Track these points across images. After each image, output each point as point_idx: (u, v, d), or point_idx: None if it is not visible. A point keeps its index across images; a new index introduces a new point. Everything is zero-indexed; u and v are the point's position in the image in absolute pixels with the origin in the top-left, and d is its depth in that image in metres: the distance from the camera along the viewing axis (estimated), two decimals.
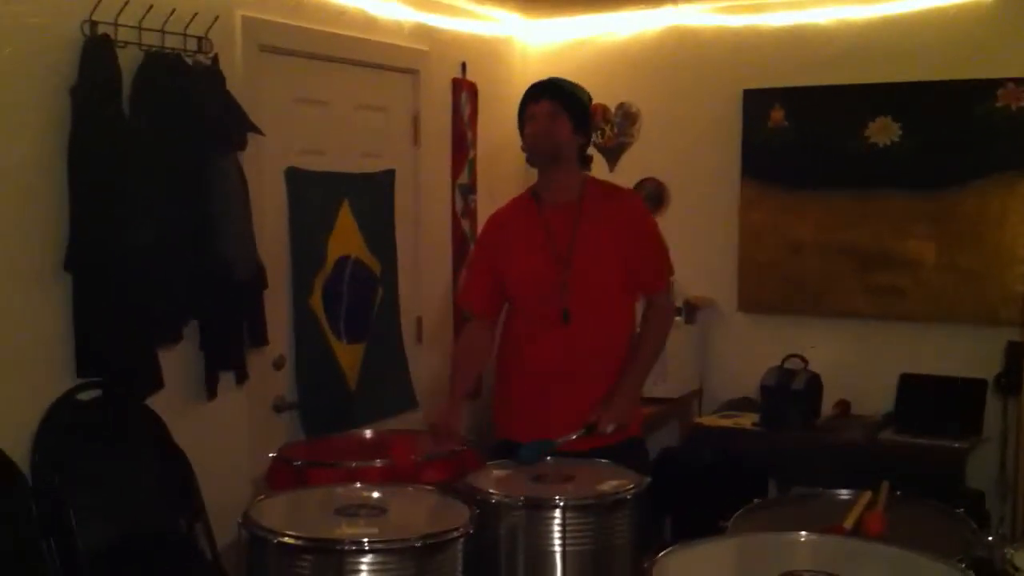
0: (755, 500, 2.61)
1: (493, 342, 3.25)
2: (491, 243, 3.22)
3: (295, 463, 2.87)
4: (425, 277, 4.43)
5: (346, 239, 3.98)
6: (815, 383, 4.32)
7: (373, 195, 4.14)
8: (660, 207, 4.78)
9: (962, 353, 4.26)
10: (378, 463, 2.84)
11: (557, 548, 2.58)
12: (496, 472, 2.86)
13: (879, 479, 4.07)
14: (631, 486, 2.68)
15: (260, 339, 3.47)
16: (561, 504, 2.58)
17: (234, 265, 3.27)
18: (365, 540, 2.27)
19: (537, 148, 3.11)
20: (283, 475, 2.88)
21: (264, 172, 3.61)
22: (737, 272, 4.69)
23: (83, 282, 2.96)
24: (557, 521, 2.58)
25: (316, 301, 3.84)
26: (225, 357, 3.38)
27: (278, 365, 3.70)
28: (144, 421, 3.15)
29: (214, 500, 3.22)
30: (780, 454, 4.27)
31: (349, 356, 3.97)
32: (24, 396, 2.88)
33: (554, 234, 3.09)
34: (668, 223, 4.24)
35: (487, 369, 3.32)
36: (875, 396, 4.40)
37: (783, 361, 4.40)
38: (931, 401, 4.26)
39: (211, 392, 3.37)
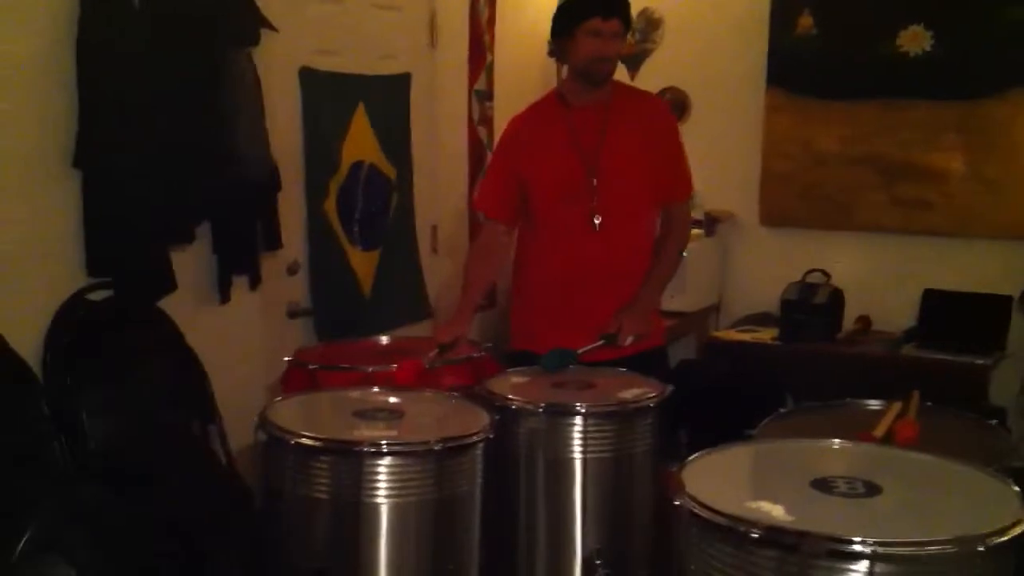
0: (780, 409, 2.55)
1: (509, 249, 3.17)
2: (514, 146, 3.11)
3: (310, 366, 2.81)
4: (441, 185, 4.34)
5: (361, 143, 3.88)
6: (837, 298, 4.25)
7: (388, 99, 4.03)
8: (682, 117, 4.66)
9: (987, 268, 4.18)
10: (394, 368, 2.78)
11: (577, 455, 2.54)
12: (515, 379, 2.81)
13: (901, 394, 4.07)
14: (653, 394, 2.63)
15: (274, 242, 3.39)
16: (582, 411, 2.53)
17: (247, 164, 3.18)
18: (383, 442, 2.22)
19: (604, 70, 2.98)
20: (298, 378, 2.83)
21: (277, 71, 3.49)
22: (759, 184, 4.59)
23: (92, 179, 2.87)
24: (578, 428, 2.54)
25: (330, 206, 3.76)
26: (238, 260, 3.31)
27: (292, 270, 3.63)
28: (156, 323, 3.08)
29: (227, 404, 3.17)
30: (799, 369, 4.21)
31: (364, 263, 3.90)
32: (35, 295, 2.81)
33: (581, 136, 2.99)
34: (689, 133, 4.09)
35: (501, 277, 3.25)
36: (898, 312, 4.33)
37: (804, 275, 4.32)
38: (954, 317, 4.19)
39: (224, 296, 3.30)
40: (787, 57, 4.46)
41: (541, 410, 2.55)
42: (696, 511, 1.72)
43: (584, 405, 2.54)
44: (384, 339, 3.32)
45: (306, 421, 2.43)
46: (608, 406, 2.56)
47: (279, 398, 2.54)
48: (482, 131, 4.53)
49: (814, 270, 4.32)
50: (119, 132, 2.86)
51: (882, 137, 4.32)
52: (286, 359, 2.95)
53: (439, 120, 4.30)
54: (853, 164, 4.39)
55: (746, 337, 4.33)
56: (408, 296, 4.13)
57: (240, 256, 3.31)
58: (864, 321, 4.36)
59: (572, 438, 2.54)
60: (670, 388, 2.68)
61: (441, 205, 4.36)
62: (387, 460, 2.21)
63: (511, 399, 2.57)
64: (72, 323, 2.88)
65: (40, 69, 2.79)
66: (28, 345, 2.78)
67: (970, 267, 4.21)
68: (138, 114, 2.88)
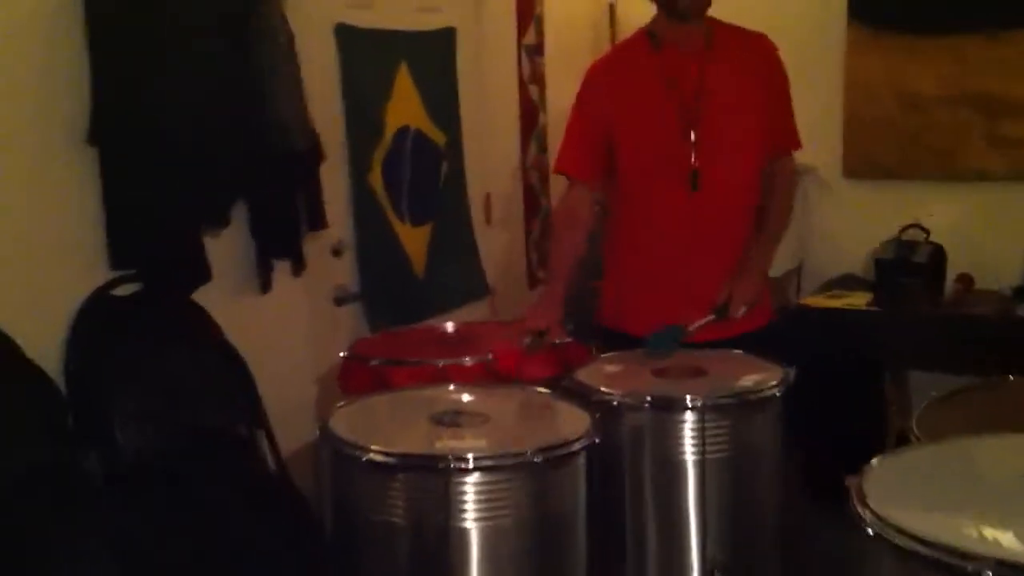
0: (932, 394, 2.15)
1: (596, 216, 2.76)
2: (597, 95, 2.68)
3: (372, 362, 2.43)
4: (492, 150, 3.94)
5: (406, 107, 3.49)
6: (938, 255, 3.82)
7: (433, 57, 3.63)
8: None
9: None
10: (468, 360, 2.40)
11: (691, 456, 2.16)
12: (608, 367, 2.43)
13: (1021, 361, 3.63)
14: (775, 380, 2.24)
15: (318, 222, 3.01)
16: (695, 404, 2.15)
17: (286, 134, 2.80)
18: (471, 455, 1.85)
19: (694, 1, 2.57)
20: (359, 377, 2.46)
21: (310, 29, 3.10)
22: (842, 132, 4.13)
23: (110, 158, 2.50)
24: (690, 425, 2.16)
25: (376, 178, 3.37)
26: (280, 243, 2.94)
27: (337, 252, 3.25)
28: (191, 318, 2.72)
29: (274, 403, 2.81)
30: (899, 337, 3.79)
31: (414, 240, 3.52)
32: (51, 294, 2.45)
33: (678, 82, 2.57)
34: None
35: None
36: (1002, 268, 3.89)
37: (900, 232, 3.90)
38: None
39: (265, 284, 2.93)
40: None
41: (647, 405, 2.16)
42: (900, 543, 1.33)
43: (697, 397, 2.15)
44: (448, 325, 2.94)
45: (375, 430, 2.06)
46: (725, 397, 2.18)
47: (341, 403, 2.16)
48: (534, 90, 4.13)
49: (910, 226, 3.90)
50: (138, 102, 2.48)
51: (984, 74, 3.85)
52: (342, 354, 2.57)
53: (487, 79, 3.90)
54: (951, 105, 3.93)
55: (837, 303, 3.91)
56: (465, 274, 3.75)
57: (281, 239, 2.95)
58: (966, 280, 3.93)
59: (684, 436, 2.16)
60: (793, 372, 2.29)
61: (493, 172, 3.97)
62: (476, 476, 1.84)
63: (610, 393, 2.19)
64: (96, 323, 2.52)
65: (44, 31, 2.41)
66: (47, 351, 2.42)
67: None
68: (158, 80, 2.50)
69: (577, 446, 1.93)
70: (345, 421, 2.03)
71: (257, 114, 2.74)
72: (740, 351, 2.46)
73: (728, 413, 2.17)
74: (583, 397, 2.18)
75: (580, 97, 2.70)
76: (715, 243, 2.58)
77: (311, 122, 2.92)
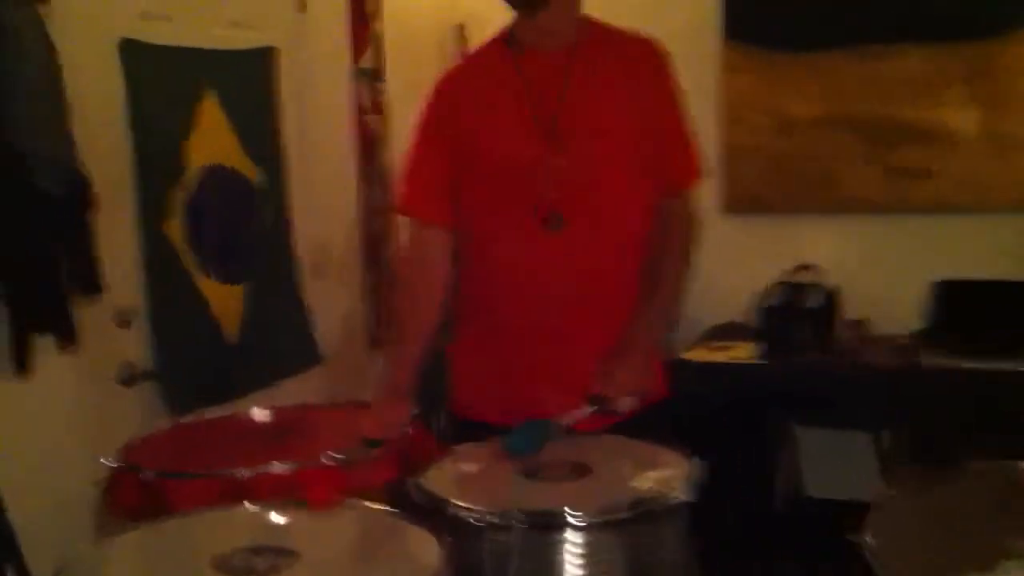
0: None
1: (451, 265, 2.20)
2: (445, 113, 2.13)
3: (143, 473, 1.80)
4: (324, 191, 3.36)
5: (213, 142, 2.88)
6: (830, 299, 3.41)
7: (247, 81, 3.04)
8: None
9: (1011, 248, 3.40)
10: (277, 468, 1.80)
11: None
12: (464, 465, 1.86)
13: (922, 414, 3.23)
14: (680, 480, 1.72)
15: (90, 284, 2.37)
16: (578, 521, 1.61)
17: (37, 171, 2.16)
18: None
19: None
20: (128, 493, 1.83)
21: (87, 43, 2.49)
22: (720, 162, 3.71)
23: None
24: (574, 547, 1.61)
25: (174, 228, 2.75)
26: (38, 312, 2.29)
27: (124, 320, 2.61)
28: None
29: (34, 526, 2.16)
30: (790, 390, 3.37)
31: (225, 300, 2.91)
32: None
33: (537, 95, 2.05)
34: None
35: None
36: (900, 310, 3.52)
37: (786, 274, 3.48)
38: (972, 312, 3.40)
39: (19, 363, 2.28)
40: (747, 2, 3.60)
41: (518, 522, 1.61)
42: None
43: (580, 512, 1.61)
44: (260, 413, 2.29)
45: None
46: (617, 510, 1.63)
47: (89, 544, 1.53)
48: (373, 120, 3.57)
49: (798, 267, 3.48)
50: None
51: (869, 95, 3.50)
52: (107, 461, 1.93)
53: (316, 108, 3.32)
54: (835, 129, 3.56)
55: (722, 357, 3.46)
56: (291, 338, 3.15)
57: (40, 306, 2.30)
58: (860, 326, 3.53)
59: (563, 562, 1.62)
60: (698, 465, 1.78)
61: (326, 217, 3.38)
62: None
63: (466, 506, 1.63)
64: None
65: None
66: None
67: (989, 248, 3.42)
68: None
69: None
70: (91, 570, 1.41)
71: None
72: (622, 438, 1.94)
73: (623, 529, 1.63)
74: (431, 512, 1.62)
75: (423, 118, 2.15)
76: (586, 301, 2.05)
77: (76, 159, 2.29)
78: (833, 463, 3.68)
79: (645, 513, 1.65)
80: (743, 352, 3.46)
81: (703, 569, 1.79)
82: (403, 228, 2.32)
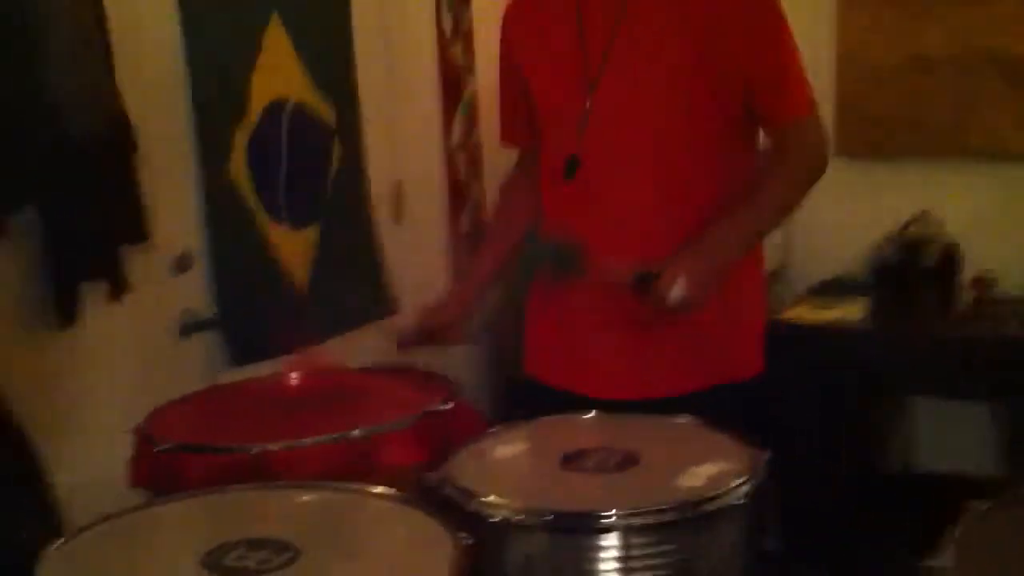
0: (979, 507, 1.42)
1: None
2: (511, 40, 2.02)
3: (158, 447, 1.68)
4: (403, 128, 3.18)
5: (280, 74, 2.73)
6: (951, 255, 3.10)
7: (317, 7, 2.88)
8: None
9: None
10: (307, 442, 1.64)
11: None
12: (500, 448, 1.69)
13: None
14: (739, 476, 1.51)
15: (135, 233, 2.26)
16: (618, 522, 1.42)
17: (74, 111, 2.05)
18: None
19: None
20: (145, 467, 1.71)
21: None
22: (834, 101, 3.39)
23: None
24: (611, 553, 1.43)
25: (238, 169, 2.62)
26: (83, 261, 2.19)
27: (182, 267, 2.50)
28: None
29: (83, 499, 2.06)
30: (901, 358, 3.08)
31: (294, 245, 2.78)
32: None
33: (590, 30, 1.83)
34: None
35: None
36: None
37: (904, 226, 3.17)
38: None
39: (67, 314, 2.19)
40: None
41: (543, 524, 1.43)
42: None
43: (620, 512, 1.42)
44: (297, 377, 2.12)
45: None
46: (662, 510, 1.44)
47: (61, 540, 1.39)
48: (458, 50, 3.37)
49: (917, 218, 3.16)
50: None
51: (1008, 30, 3.13)
52: (131, 430, 1.81)
53: (395, 36, 3.13)
54: (968, 67, 3.20)
55: (827, 316, 3.18)
56: (363, 288, 3.01)
57: (87, 253, 2.20)
58: (984, 285, 3.21)
59: (597, 570, 1.43)
60: (766, 458, 1.57)
61: (405, 156, 3.21)
62: None
63: (490, 502, 1.46)
64: None
65: None
66: None
67: None
68: None
69: None
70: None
71: (20, 88, 1.98)
72: (690, 417, 1.73)
73: (668, 533, 1.44)
74: (452, 506, 1.46)
75: (501, 42, 2.04)
76: (614, 252, 1.84)
77: (116, 99, 2.17)
78: (950, 435, 3.38)
79: (693, 516, 1.45)
80: (852, 312, 3.18)
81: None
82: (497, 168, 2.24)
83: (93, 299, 2.25)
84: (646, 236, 1.86)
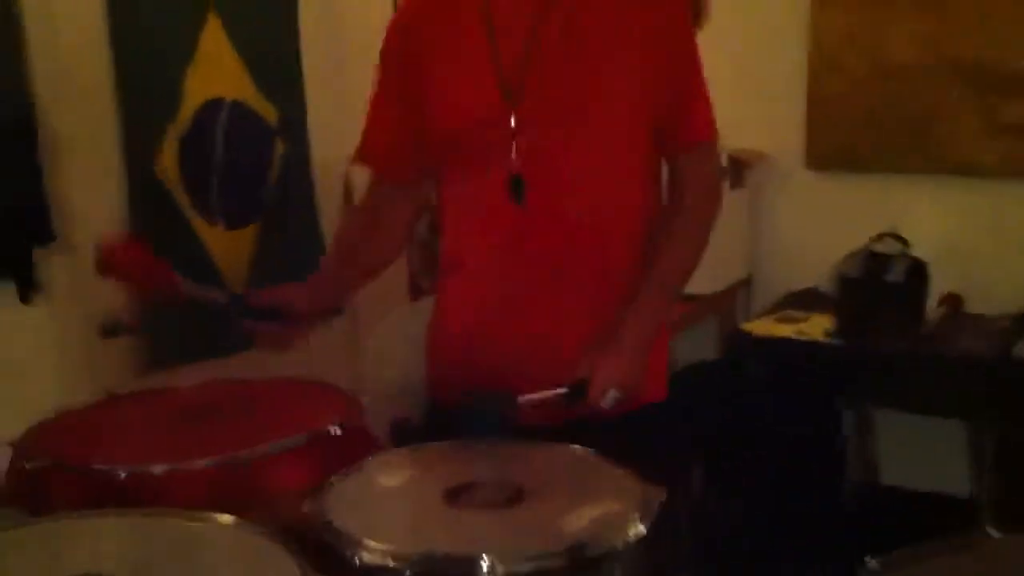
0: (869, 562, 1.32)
1: (405, 225, 1.93)
2: (399, 51, 1.82)
3: (28, 463, 1.59)
4: (354, 124, 3.06)
5: (217, 73, 2.65)
6: (919, 273, 2.99)
7: (260, 5, 2.78)
8: (693, 18, 3.35)
9: None
10: (154, 468, 1.54)
11: None
12: (381, 478, 1.58)
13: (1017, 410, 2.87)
14: (626, 520, 1.40)
15: (43, 233, 2.17)
16: (488, 569, 1.32)
17: None
18: None
19: None
20: (17, 480, 1.62)
21: None
22: (805, 113, 3.29)
23: None
24: None
25: (169, 165, 2.54)
26: None
27: (110, 331, 2.40)
28: None
29: None
30: (865, 377, 2.98)
31: (229, 246, 2.69)
32: None
33: (503, 32, 1.71)
34: (705, 42, 2.85)
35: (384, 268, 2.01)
36: (998, 290, 3.07)
37: (871, 241, 3.06)
38: None
39: None
40: None
41: (408, 570, 1.33)
42: None
43: (491, 556, 1.32)
44: (189, 387, 1.99)
45: None
46: (533, 557, 1.34)
47: None
48: None
49: (884, 234, 3.05)
50: None
51: (978, 36, 3.01)
52: (7, 443, 1.72)
53: (347, 28, 3.02)
54: (937, 76, 3.09)
55: (787, 331, 3.08)
56: None
57: None
58: (952, 301, 3.10)
59: None
60: (659, 499, 1.46)
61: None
62: None
63: (358, 544, 1.35)
64: None
65: None
66: None
67: None
68: None
69: None
70: None
71: None
72: (585, 449, 1.63)
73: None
74: (313, 547, 1.35)
75: (382, 52, 1.85)
76: (563, 287, 1.73)
77: (23, 94, 2.08)
78: (914, 451, 3.28)
79: (573, 561, 1.35)
80: (816, 328, 3.07)
81: None
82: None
83: (2, 299, 2.17)
84: (611, 248, 1.75)
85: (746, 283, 3.46)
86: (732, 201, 3.25)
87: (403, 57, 1.79)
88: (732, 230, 3.28)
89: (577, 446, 1.60)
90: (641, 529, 1.40)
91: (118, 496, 1.51)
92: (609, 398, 1.65)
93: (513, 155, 1.66)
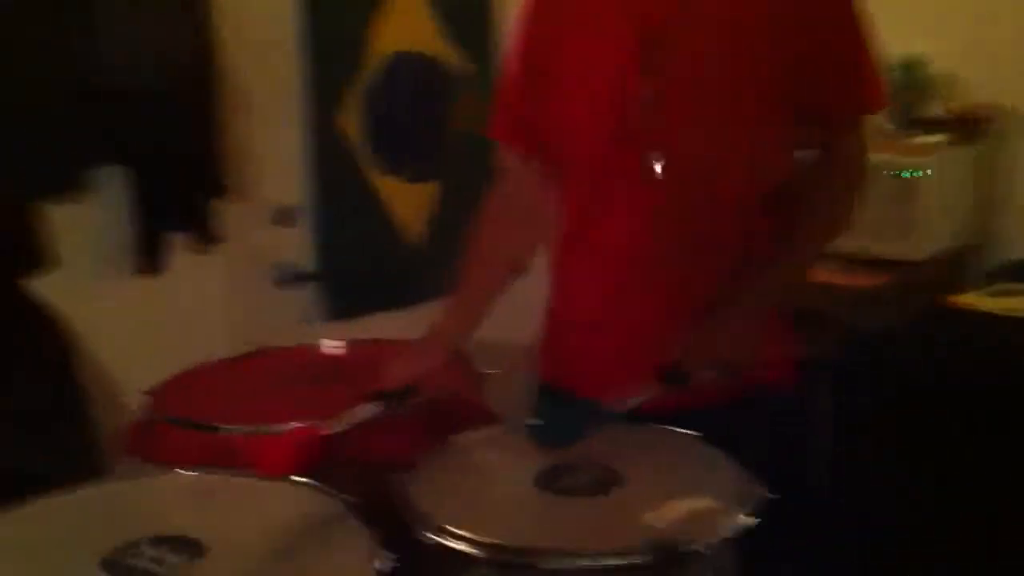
0: None
1: (546, 204, 1.82)
2: (535, 29, 1.70)
3: (147, 415, 1.65)
4: None
5: (407, 26, 2.65)
6: None
7: None
8: None
9: None
10: (272, 428, 1.56)
11: None
12: (477, 455, 1.53)
13: None
14: (721, 519, 1.30)
15: (214, 185, 2.25)
16: (563, 565, 1.25)
17: (152, 69, 2.05)
18: None
19: None
20: (135, 433, 1.68)
21: None
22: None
23: None
24: None
25: (348, 121, 2.57)
26: (167, 210, 2.22)
27: (282, 220, 2.49)
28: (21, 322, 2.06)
29: None
30: None
31: (408, 200, 2.71)
32: None
33: (642, 4, 1.58)
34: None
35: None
36: None
37: None
38: None
39: (148, 262, 2.23)
40: None
41: (485, 557, 1.27)
42: None
43: (565, 555, 1.24)
44: (328, 345, 2.02)
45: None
46: (617, 553, 1.26)
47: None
48: None
49: None
50: None
51: None
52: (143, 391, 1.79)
53: None
54: None
55: (991, 305, 2.73)
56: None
57: (169, 204, 2.22)
58: None
59: None
60: (762, 495, 1.34)
61: None
62: None
63: (434, 528, 1.31)
64: None
65: None
66: None
67: None
68: None
69: None
70: None
71: (103, 42, 2.00)
72: (693, 435, 1.52)
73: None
74: (392, 522, 1.33)
75: (517, 23, 1.75)
76: (697, 261, 1.60)
77: (206, 53, 2.15)
78: None
79: (662, 557, 1.26)
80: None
81: None
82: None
83: (184, 248, 2.28)
84: (739, 226, 1.61)
85: (975, 250, 3.13)
86: (953, 160, 2.96)
87: (540, 26, 1.69)
88: (954, 194, 2.98)
89: (683, 431, 1.50)
90: (736, 526, 1.29)
91: (221, 453, 1.54)
92: (705, 376, 1.52)
93: (646, 130, 1.55)
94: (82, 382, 2.02)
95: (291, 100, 2.48)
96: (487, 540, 1.28)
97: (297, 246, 2.52)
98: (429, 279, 2.66)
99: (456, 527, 1.29)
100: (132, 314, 2.23)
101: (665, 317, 1.61)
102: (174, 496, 1.44)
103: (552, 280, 1.76)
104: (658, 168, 1.57)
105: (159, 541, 1.27)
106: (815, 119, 1.60)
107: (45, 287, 2.09)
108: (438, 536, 1.30)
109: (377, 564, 1.22)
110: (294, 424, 1.50)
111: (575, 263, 1.71)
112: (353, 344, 1.99)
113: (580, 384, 1.66)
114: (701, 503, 1.33)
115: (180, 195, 2.20)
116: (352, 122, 2.57)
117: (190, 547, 1.26)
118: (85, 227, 2.14)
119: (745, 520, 1.30)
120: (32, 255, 2.05)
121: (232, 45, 2.31)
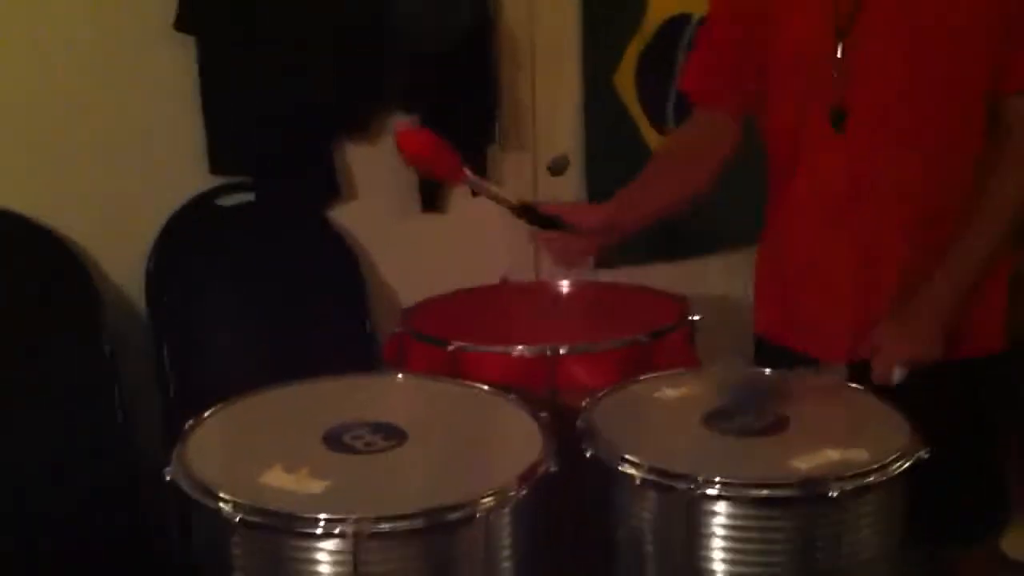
0: None
1: (718, 159, 1.84)
2: None
3: (397, 330, 1.91)
4: None
5: None
6: None
7: None
8: None
9: None
10: (493, 349, 1.76)
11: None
12: (668, 390, 1.64)
13: None
14: (863, 466, 1.36)
15: (487, 132, 2.48)
16: (716, 491, 1.36)
17: (416, 25, 2.30)
18: (322, 516, 1.26)
19: None
20: (393, 348, 1.94)
21: None
22: None
23: (209, 47, 2.22)
24: (712, 525, 1.38)
25: (625, 79, 2.71)
26: None
27: (555, 170, 2.67)
28: (318, 241, 2.40)
29: None
30: None
31: None
32: (142, 202, 2.25)
33: None
34: None
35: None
36: None
37: None
38: None
39: (428, 202, 2.50)
40: None
41: (639, 482, 1.41)
42: None
43: (721, 479, 1.35)
44: (566, 285, 2.19)
45: (249, 448, 1.52)
46: (762, 483, 1.35)
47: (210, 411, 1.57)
48: None
49: None
50: None
51: None
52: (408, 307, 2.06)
53: None
54: None
55: None
56: (752, 205, 2.94)
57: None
58: None
59: (701, 542, 1.39)
60: (919, 454, 1.40)
61: None
62: (330, 544, 1.27)
63: (606, 445, 1.46)
64: (190, 239, 2.28)
65: None
66: (130, 268, 2.23)
67: None
68: None
69: (484, 505, 1.29)
70: (207, 433, 1.52)
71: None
72: (865, 389, 1.57)
73: (765, 510, 1.36)
74: (578, 442, 1.49)
75: None
76: (884, 215, 1.63)
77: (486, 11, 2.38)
78: None
79: (802, 496, 1.35)
80: None
81: None
82: None
83: (462, 192, 2.52)
84: (927, 185, 1.64)
85: None
86: None
87: None
88: None
89: (856, 385, 1.57)
90: (884, 476, 1.36)
91: (449, 365, 1.76)
92: (895, 375, 1.56)
93: (837, 86, 1.60)
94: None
95: (571, 60, 2.65)
96: (653, 464, 1.41)
97: (570, 195, 2.70)
98: (699, 232, 2.79)
99: (622, 448, 1.44)
100: (416, 246, 2.51)
101: (866, 271, 1.66)
102: (394, 393, 1.68)
103: (763, 235, 1.85)
104: (843, 121, 1.62)
105: (373, 426, 1.51)
106: (995, 82, 1.58)
107: (342, 216, 2.43)
108: (596, 451, 1.45)
109: (551, 468, 1.39)
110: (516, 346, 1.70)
111: (779, 216, 1.79)
112: (586, 284, 2.16)
113: (791, 337, 1.74)
114: (852, 453, 1.39)
115: (460, 143, 2.43)
116: (629, 81, 2.70)
117: (396, 434, 1.49)
118: (380, 167, 2.43)
119: (891, 474, 1.35)
120: (334, 187, 2.38)
121: (516, 10, 2.53)
